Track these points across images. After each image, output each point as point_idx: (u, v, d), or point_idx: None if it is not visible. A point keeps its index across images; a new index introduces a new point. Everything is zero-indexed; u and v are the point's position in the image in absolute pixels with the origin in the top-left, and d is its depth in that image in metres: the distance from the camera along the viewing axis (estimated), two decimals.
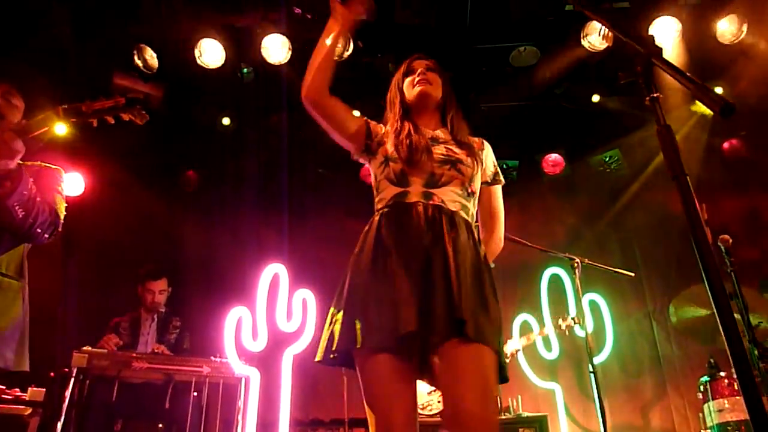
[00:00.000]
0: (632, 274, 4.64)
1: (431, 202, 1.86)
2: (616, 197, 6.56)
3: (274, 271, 3.88)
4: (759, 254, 5.68)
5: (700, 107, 5.81)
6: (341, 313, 1.75)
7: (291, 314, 3.82)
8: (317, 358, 1.78)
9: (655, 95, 1.25)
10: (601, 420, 4.01)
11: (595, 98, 5.91)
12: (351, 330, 1.68)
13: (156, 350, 4.10)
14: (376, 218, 1.92)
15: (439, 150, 1.98)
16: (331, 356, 1.74)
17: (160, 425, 3.87)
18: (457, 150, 2.00)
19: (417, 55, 2.21)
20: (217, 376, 3.84)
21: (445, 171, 1.92)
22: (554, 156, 6.40)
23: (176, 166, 6.43)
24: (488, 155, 2.15)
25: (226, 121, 6.04)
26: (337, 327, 1.73)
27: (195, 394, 3.82)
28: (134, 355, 3.85)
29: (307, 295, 3.91)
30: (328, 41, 2.02)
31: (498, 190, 2.15)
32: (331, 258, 6.17)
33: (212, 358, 3.88)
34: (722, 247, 3.58)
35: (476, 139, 2.16)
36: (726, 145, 6.30)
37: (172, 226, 6.29)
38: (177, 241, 6.22)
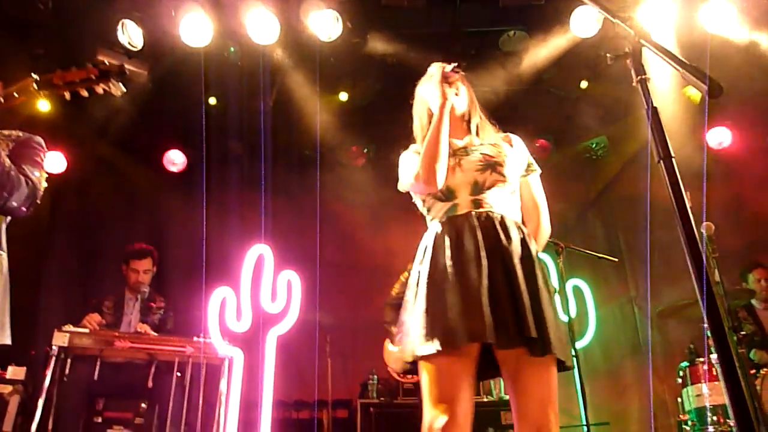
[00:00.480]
0: (615, 260, 4.68)
1: (481, 209, 1.95)
2: (602, 184, 6.60)
3: (258, 252, 3.86)
4: (740, 244, 5.74)
5: (691, 94, 5.82)
6: (409, 324, 1.87)
7: (275, 295, 3.80)
8: (398, 369, 1.92)
9: (643, 77, 1.24)
10: (582, 403, 4.04)
11: (583, 84, 5.91)
12: (420, 339, 1.78)
13: (139, 330, 4.09)
14: (433, 234, 1.98)
15: (474, 158, 2.04)
16: (409, 366, 1.87)
17: (143, 405, 3.86)
18: (491, 153, 2.06)
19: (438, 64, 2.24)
20: (200, 357, 3.84)
21: (487, 176, 2.00)
22: (541, 141, 6.41)
23: (161, 145, 6.36)
24: (519, 149, 2.21)
25: (212, 100, 5.97)
26: (409, 339, 1.84)
27: (178, 374, 3.81)
28: (116, 334, 3.84)
29: (291, 276, 3.89)
30: (444, 131, 2.03)
31: (535, 179, 2.21)
32: (316, 240, 6.17)
33: (196, 338, 3.87)
34: (705, 235, 3.62)
35: (505, 135, 2.24)
36: (711, 134, 6.34)
37: (157, 206, 6.25)
38: (162, 221, 6.18)
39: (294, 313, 3.84)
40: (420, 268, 1.94)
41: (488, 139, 2.15)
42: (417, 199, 2.15)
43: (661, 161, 1.16)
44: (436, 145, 1.97)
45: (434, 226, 2.00)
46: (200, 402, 3.77)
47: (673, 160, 1.16)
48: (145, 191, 6.32)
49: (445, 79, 2.08)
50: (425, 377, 1.79)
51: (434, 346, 1.73)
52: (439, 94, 2.06)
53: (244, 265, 3.80)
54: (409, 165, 2.09)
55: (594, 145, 6.46)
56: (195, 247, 5.91)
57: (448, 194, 2.00)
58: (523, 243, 1.92)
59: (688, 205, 1.12)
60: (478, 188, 1.98)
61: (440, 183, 1.97)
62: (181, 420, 3.73)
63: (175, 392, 3.78)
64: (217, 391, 3.85)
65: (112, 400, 3.88)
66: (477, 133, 2.17)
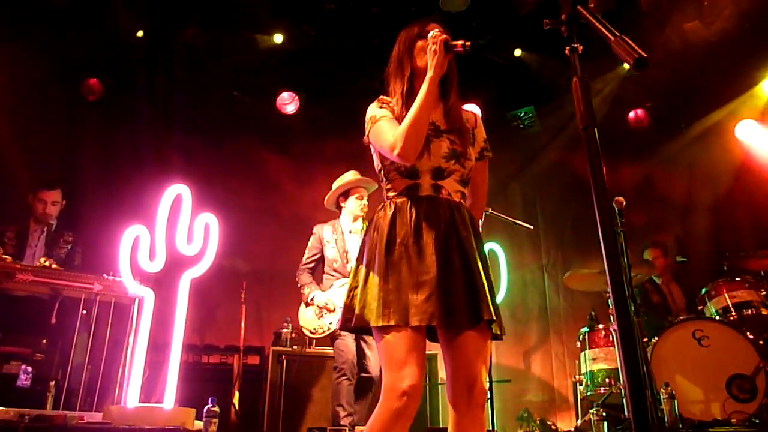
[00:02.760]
0: (531, 227, 4.85)
1: (440, 195, 2.00)
2: (527, 154, 6.77)
3: (177, 192, 3.72)
4: (645, 219, 6.08)
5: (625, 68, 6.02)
6: (360, 289, 1.95)
7: (192, 237, 3.70)
8: (338, 327, 2.03)
9: (575, 45, 1.26)
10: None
11: (517, 52, 5.99)
12: (371, 309, 1.88)
13: (44, 263, 3.90)
14: (391, 208, 2.01)
15: (444, 145, 2.04)
16: (350, 325, 1.94)
17: (44, 340, 3.72)
18: (459, 142, 2.07)
19: (433, 17, 2.16)
20: (108, 295, 3.72)
21: (450, 165, 2.02)
22: (470, 106, 6.47)
23: (79, 72, 5.96)
24: (480, 131, 2.22)
25: (139, 33, 5.65)
26: (357, 302, 1.93)
27: (84, 312, 3.68)
28: (18, 266, 3.65)
29: (209, 219, 3.79)
30: (429, 110, 1.97)
31: (485, 164, 2.22)
32: (239, 184, 6.05)
33: (105, 275, 3.73)
34: (615, 208, 3.81)
35: (470, 114, 2.22)
36: (631, 114, 6.61)
37: (71, 136, 5.91)
38: (75, 152, 5.86)
39: (210, 256, 3.74)
40: (377, 239, 1.98)
41: (459, 123, 2.10)
42: (375, 158, 2.14)
43: (584, 130, 1.19)
44: (423, 121, 1.93)
45: (393, 200, 2.03)
46: (106, 341, 3.67)
47: (596, 129, 1.20)
48: (58, 119, 5.94)
49: (448, 50, 1.95)
50: (383, 344, 1.86)
51: (391, 321, 1.82)
52: (432, 64, 1.93)
53: (160, 204, 3.66)
54: (383, 125, 2.02)
55: (522, 114, 6.58)
56: (109, 182, 5.66)
57: (411, 173, 2.01)
58: (475, 229, 2.02)
59: (604, 173, 1.16)
60: (439, 174, 2.01)
61: (412, 157, 1.94)
62: (85, 358, 3.62)
63: (80, 330, 3.66)
64: (124, 331, 3.74)
65: (10, 334, 3.71)
66: (450, 111, 2.11)
